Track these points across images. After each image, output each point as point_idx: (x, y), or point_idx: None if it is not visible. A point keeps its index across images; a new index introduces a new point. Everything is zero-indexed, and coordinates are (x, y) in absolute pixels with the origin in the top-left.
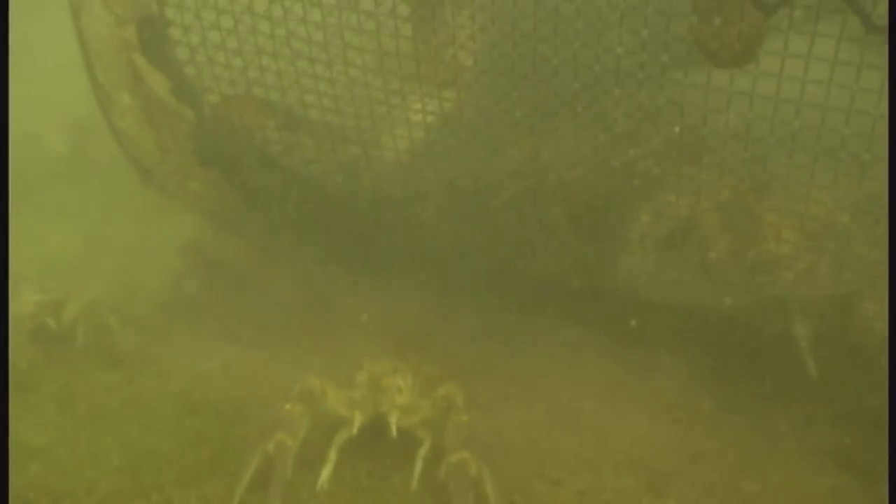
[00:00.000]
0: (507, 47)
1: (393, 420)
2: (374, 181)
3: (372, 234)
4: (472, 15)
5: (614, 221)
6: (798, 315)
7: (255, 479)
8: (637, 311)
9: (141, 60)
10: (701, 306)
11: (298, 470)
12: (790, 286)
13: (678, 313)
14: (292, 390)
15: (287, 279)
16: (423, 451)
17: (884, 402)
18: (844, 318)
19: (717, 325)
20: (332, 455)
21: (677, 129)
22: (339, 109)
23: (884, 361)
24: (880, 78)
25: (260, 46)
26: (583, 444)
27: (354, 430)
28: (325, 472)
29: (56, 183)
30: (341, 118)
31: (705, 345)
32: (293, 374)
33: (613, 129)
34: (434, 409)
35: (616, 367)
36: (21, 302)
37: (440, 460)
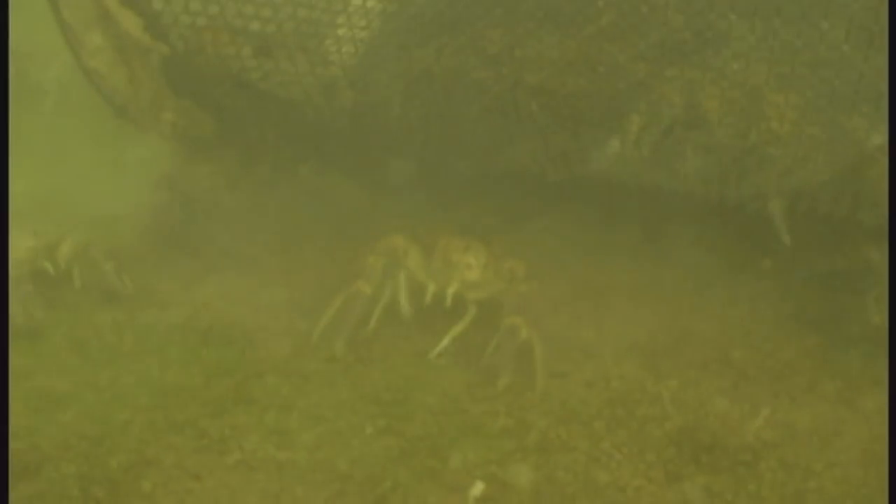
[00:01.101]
0: None
1: (457, 292)
2: (355, 97)
3: (353, 148)
4: None
5: (602, 119)
6: (774, 192)
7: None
8: (622, 197)
9: (110, 1)
10: (693, 191)
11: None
12: (788, 169)
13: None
14: (376, 245)
15: (267, 203)
16: (459, 327)
17: (846, 265)
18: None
19: (707, 207)
20: (406, 305)
21: None
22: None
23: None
24: None
25: None
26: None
27: (428, 298)
28: (405, 308)
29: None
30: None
31: (691, 223)
32: (290, 292)
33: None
34: (499, 279)
35: (602, 256)
36: (15, 247)
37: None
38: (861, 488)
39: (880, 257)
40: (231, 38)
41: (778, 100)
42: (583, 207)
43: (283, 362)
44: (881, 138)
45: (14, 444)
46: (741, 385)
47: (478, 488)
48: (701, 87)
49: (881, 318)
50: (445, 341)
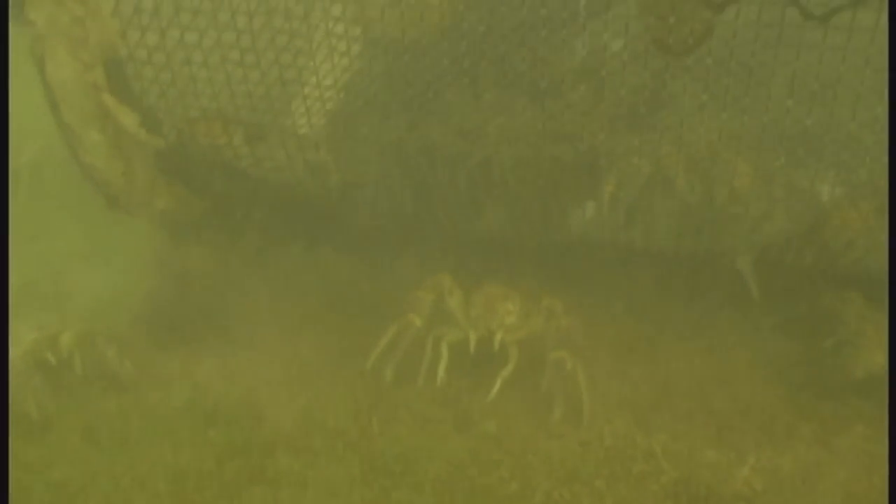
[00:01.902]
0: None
1: (498, 338)
2: (342, 177)
3: (342, 223)
4: None
5: (577, 187)
6: (741, 247)
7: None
8: (597, 257)
9: (109, 99)
10: (665, 247)
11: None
12: (752, 226)
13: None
14: (423, 282)
15: (260, 280)
16: (505, 371)
17: (810, 310)
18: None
19: (679, 262)
20: (445, 351)
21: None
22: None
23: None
24: None
25: (229, 73)
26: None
27: (472, 347)
28: (441, 367)
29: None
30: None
31: (665, 278)
32: (289, 367)
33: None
34: (537, 317)
35: (582, 313)
36: (19, 341)
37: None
38: None
39: (842, 304)
40: (223, 128)
41: (735, 160)
42: (558, 268)
43: (291, 438)
44: (829, 193)
45: None
46: (726, 434)
47: None
48: (664, 151)
49: (843, 360)
50: (497, 384)
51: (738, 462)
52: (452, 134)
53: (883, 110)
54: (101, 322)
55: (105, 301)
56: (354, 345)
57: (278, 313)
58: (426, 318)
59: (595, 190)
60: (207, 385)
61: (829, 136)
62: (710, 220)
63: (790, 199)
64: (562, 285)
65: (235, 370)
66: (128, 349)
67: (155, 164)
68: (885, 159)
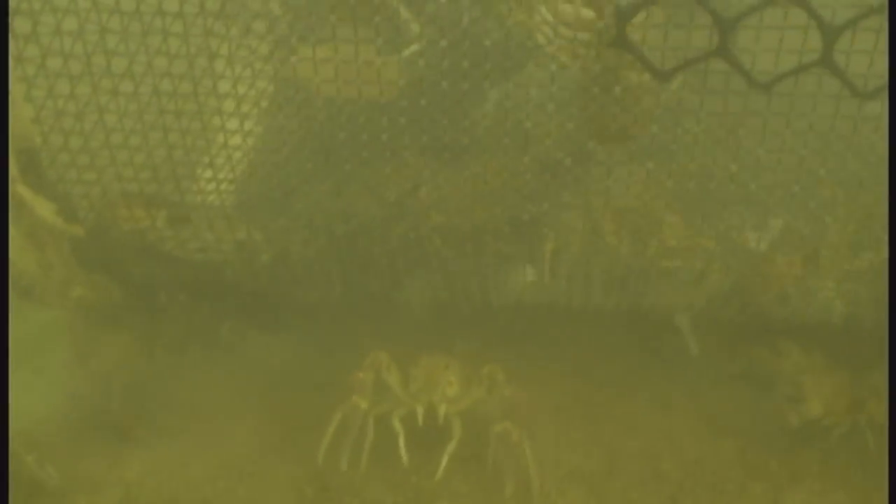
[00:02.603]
0: None
1: (442, 411)
2: (273, 254)
3: (271, 303)
4: None
5: (510, 255)
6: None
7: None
8: (531, 318)
9: (24, 190)
10: (602, 305)
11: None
12: (689, 282)
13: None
14: (362, 362)
15: (186, 368)
16: (450, 447)
17: (749, 364)
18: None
19: (616, 319)
20: (399, 426)
21: None
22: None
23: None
24: None
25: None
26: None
27: (420, 420)
28: (402, 444)
29: None
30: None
31: (602, 336)
32: (224, 458)
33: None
34: (479, 387)
35: (521, 379)
36: None
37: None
38: None
39: (778, 357)
40: (146, 211)
41: (666, 215)
42: (496, 333)
43: None
44: (767, 243)
45: None
46: (679, 499)
47: None
48: (595, 209)
49: (784, 413)
50: (444, 461)
51: None
52: (376, 202)
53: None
54: (17, 426)
55: (20, 403)
56: (295, 429)
57: (211, 402)
58: (370, 399)
59: (532, 252)
60: (138, 485)
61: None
62: (644, 276)
63: (726, 255)
64: (501, 351)
65: (167, 466)
66: (49, 452)
67: (72, 253)
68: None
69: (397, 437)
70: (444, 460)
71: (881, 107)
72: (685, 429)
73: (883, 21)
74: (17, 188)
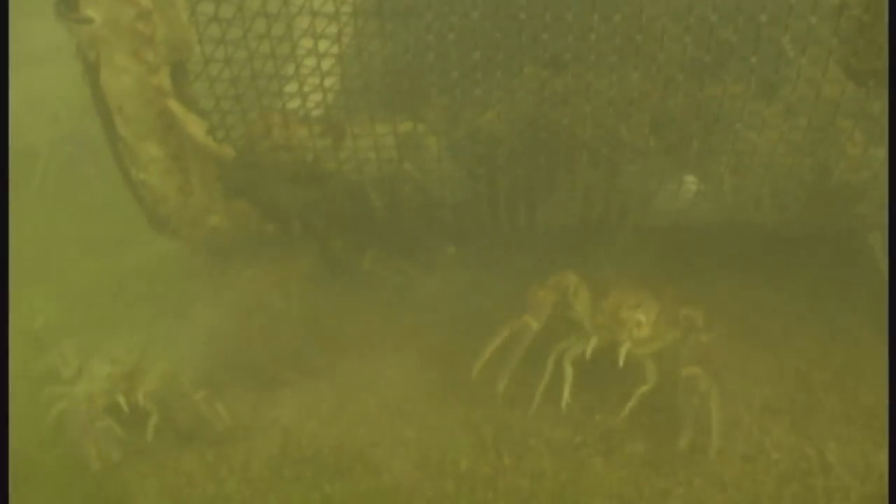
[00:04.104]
0: None
1: (624, 351)
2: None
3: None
4: None
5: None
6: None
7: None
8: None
9: (176, 105)
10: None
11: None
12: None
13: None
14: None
15: (334, 302)
16: (643, 389)
17: None
18: None
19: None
20: (569, 371)
21: None
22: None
23: None
24: None
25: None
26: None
27: (588, 353)
28: (566, 391)
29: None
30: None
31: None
32: (386, 401)
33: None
34: (675, 329)
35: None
36: (92, 376)
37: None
38: None
39: None
40: (307, 129)
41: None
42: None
43: (414, 489)
44: None
45: None
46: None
47: None
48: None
49: None
50: (632, 402)
51: None
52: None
53: None
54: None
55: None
56: (458, 367)
57: (359, 338)
58: (543, 323)
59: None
60: (298, 429)
61: None
62: (830, 193)
63: None
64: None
65: (323, 409)
66: (218, 394)
67: (216, 178)
68: None
69: (564, 380)
70: (633, 401)
71: None
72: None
73: None
74: (169, 103)
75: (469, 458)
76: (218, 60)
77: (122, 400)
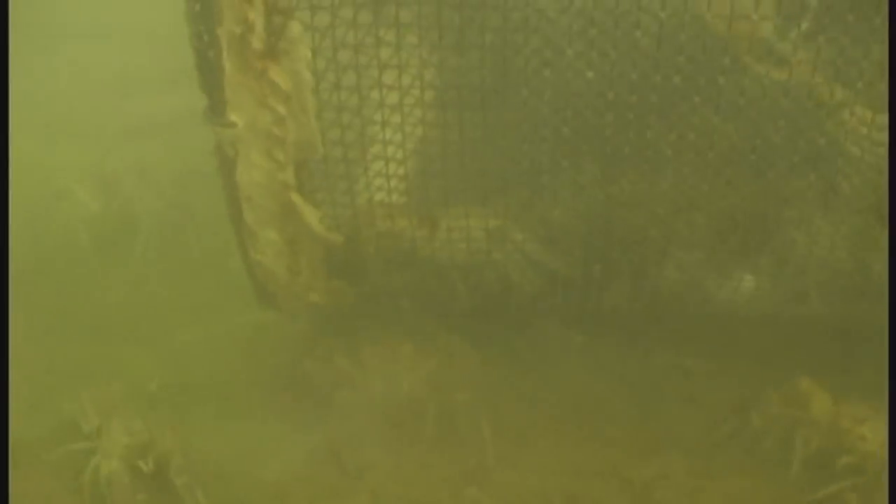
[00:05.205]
0: None
1: None
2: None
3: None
4: None
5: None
6: None
7: None
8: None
9: (297, 198)
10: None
11: None
12: None
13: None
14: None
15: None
16: None
17: None
18: None
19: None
20: None
21: None
22: None
23: None
24: None
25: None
26: None
27: None
28: None
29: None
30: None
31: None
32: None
33: None
34: None
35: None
36: (112, 442)
37: None
38: None
39: None
40: (408, 220)
41: None
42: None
43: None
44: None
45: None
46: None
47: None
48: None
49: None
50: None
51: None
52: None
53: None
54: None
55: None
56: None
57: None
58: None
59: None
60: None
61: None
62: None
63: None
64: None
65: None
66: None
67: (323, 261)
68: None
69: None
70: None
71: None
72: None
73: None
74: (291, 196)
75: None
76: (336, 160)
77: (142, 465)
